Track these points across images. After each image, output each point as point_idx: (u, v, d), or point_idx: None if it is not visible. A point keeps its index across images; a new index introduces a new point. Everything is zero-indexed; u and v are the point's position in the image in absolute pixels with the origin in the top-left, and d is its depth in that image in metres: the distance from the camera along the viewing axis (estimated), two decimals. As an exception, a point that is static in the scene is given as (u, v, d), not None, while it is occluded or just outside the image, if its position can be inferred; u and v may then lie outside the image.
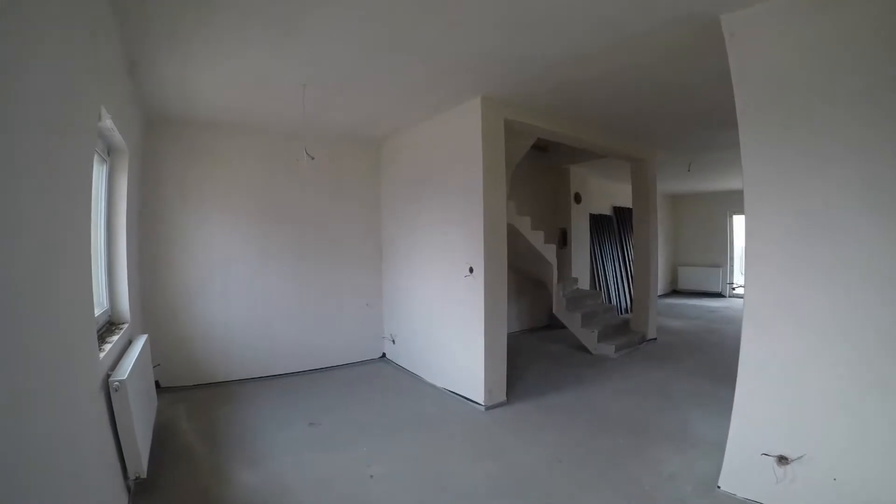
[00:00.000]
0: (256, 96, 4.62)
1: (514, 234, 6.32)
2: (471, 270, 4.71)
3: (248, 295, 5.77)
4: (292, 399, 5.01)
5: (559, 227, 8.77)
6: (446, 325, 5.22)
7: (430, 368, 5.54)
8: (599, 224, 9.99)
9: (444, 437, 4.06)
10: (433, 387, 5.36)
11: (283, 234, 5.99)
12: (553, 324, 8.02)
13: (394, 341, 6.39)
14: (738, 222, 12.79)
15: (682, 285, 13.27)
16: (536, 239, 6.59)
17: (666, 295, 12.98)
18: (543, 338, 7.87)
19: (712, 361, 6.25)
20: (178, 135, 5.33)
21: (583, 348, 6.79)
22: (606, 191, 10.53)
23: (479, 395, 4.66)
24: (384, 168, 6.58)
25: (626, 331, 7.28)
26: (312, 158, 4.73)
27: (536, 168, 8.38)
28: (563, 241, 8.69)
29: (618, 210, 10.77)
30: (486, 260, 4.58)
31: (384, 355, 6.69)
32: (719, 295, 12.71)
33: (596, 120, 5.63)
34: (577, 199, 8.80)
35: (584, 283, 8.98)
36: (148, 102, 4.63)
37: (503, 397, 4.78)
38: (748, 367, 2.99)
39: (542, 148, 8.12)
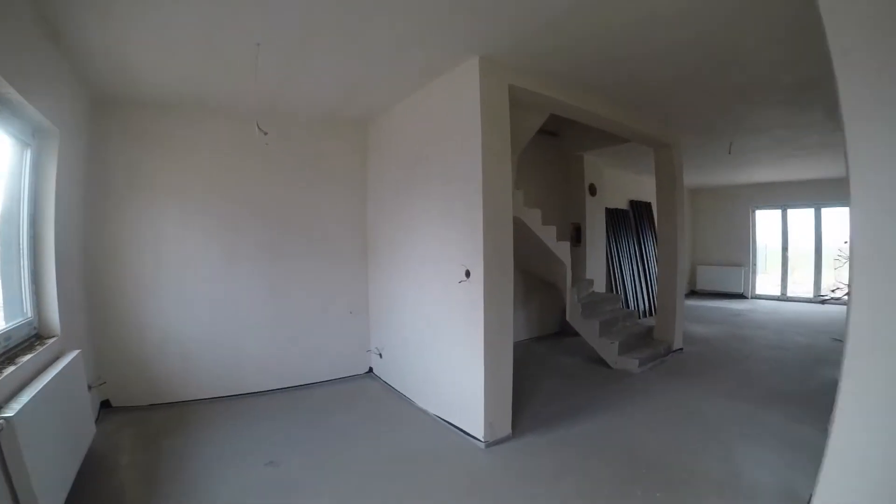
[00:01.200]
0: (206, 68, 3.87)
1: (521, 230, 5.44)
2: (467, 274, 3.81)
3: (210, 301, 4.97)
4: (256, 426, 4.20)
5: (572, 222, 7.87)
6: (439, 341, 4.35)
7: (422, 390, 4.66)
8: (616, 219, 9.10)
9: (430, 486, 3.18)
10: (424, 413, 4.49)
11: (253, 232, 5.17)
12: (565, 330, 7.13)
13: (381, 355, 5.53)
14: (761, 218, 11.89)
15: (701, 286, 12.35)
16: (548, 235, 5.69)
17: (685, 296, 11.94)
18: (555, 347, 6.96)
19: (748, 377, 5.39)
20: (127, 117, 4.59)
21: (601, 361, 5.91)
22: (622, 183, 9.64)
23: (477, 428, 3.78)
24: (371, 154, 5.70)
25: (649, 340, 6.38)
26: (265, 133, 3.90)
27: (546, 155, 7.52)
28: (576, 237, 7.80)
29: (634, 204, 9.87)
30: (486, 261, 3.68)
31: (371, 370, 5.81)
32: (741, 296, 11.83)
33: (621, 91, 4.72)
34: (592, 190, 7.90)
35: (600, 285, 8.09)
36: (90, 79, 3.95)
37: (508, 430, 3.90)
38: (852, 404, 2.05)
39: (553, 133, 7.27)
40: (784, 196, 11.31)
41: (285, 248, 5.33)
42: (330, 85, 4.42)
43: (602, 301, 6.53)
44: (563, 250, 5.83)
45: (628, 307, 8.74)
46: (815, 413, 4.11)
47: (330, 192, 5.61)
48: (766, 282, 11.94)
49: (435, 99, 4.30)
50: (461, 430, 3.96)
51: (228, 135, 4.99)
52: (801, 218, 11.23)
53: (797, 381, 5.23)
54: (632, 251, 9.36)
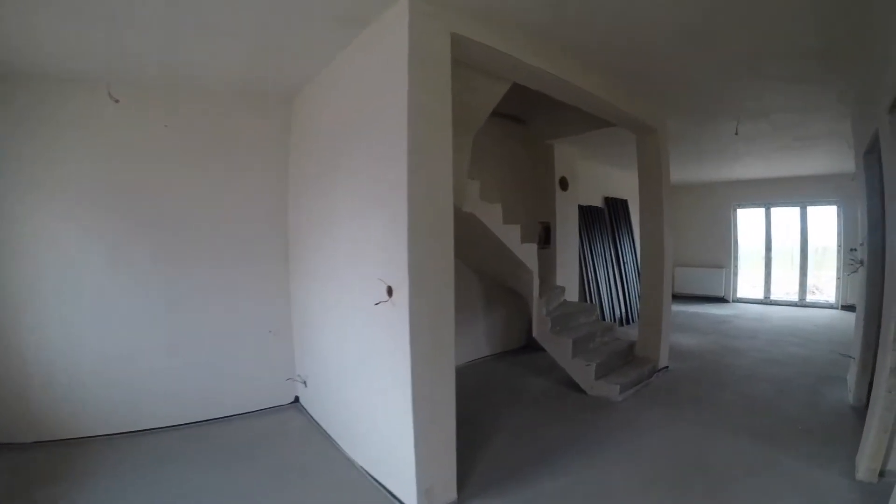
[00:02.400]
0: (68, 24, 2.92)
1: (477, 228, 4.46)
2: (389, 292, 2.76)
3: (98, 317, 3.97)
4: (140, 480, 3.25)
5: (540, 220, 6.89)
6: (361, 375, 3.32)
7: (349, 433, 3.60)
8: (589, 218, 8.14)
9: None
10: (351, 464, 3.43)
11: (150, 233, 4.11)
12: (533, 344, 6.14)
13: (305, 384, 4.47)
14: (743, 217, 11.13)
15: (679, 289, 11.51)
16: (510, 236, 4.70)
17: (663, 301, 11.17)
18: (522, 365, 5.96)
19: (749, 402, 4.53)
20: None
21: (575, 385, 4.93)
22: (597, 177, 8.70)
23: (409, 494, 2.75)
24: (295, 136, 4.60)
25: (631, 359, 5.43)
26: (116, 101, 2.85)
27: (511, 144, 6.55)
28: (545, 238, 6.84)
29: (610, 201, 8.95)
30: (413, 274, 2.63)
31: (297, 400, 4.72)
32: (722, 300, 11.09)
33: (606, 55, 3.76)
34: (564, 184, 6.93)
35: (572, 292, 7.12)
36: None
37: (452, 495, 2.89)
38: None
39: (519, 119, 6.29)
40: (768, 194, 10.61)
41: (190, 254, 4.25)
42: (232, 46, 3.38)
43: (575, 313, 5.55)
44: (528, 254, 4.85)
45: (609, 320, 7.80)
46: (839, 451, 3.37)
47: (246, 183, 4.51)
48: (747, 284, 11.20)
49: (362, 59, 3.25)
50: (391, 493, 2.94)
51: (116, 115, 3.93)
52: (785, 217, 10.58)
53: (806, 406, 4.40)
54: (607, 253, 8.44)
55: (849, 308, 9.28)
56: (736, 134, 4.61)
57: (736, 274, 11.25)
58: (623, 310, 8.45)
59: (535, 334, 5.08)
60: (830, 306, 9.84)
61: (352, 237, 3.30)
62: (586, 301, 7.55)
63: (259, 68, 3.86)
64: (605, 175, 8.88)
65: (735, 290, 11.22)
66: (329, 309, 3.83)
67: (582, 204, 7.81)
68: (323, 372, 4.07)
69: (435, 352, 2.76)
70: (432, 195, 2.73)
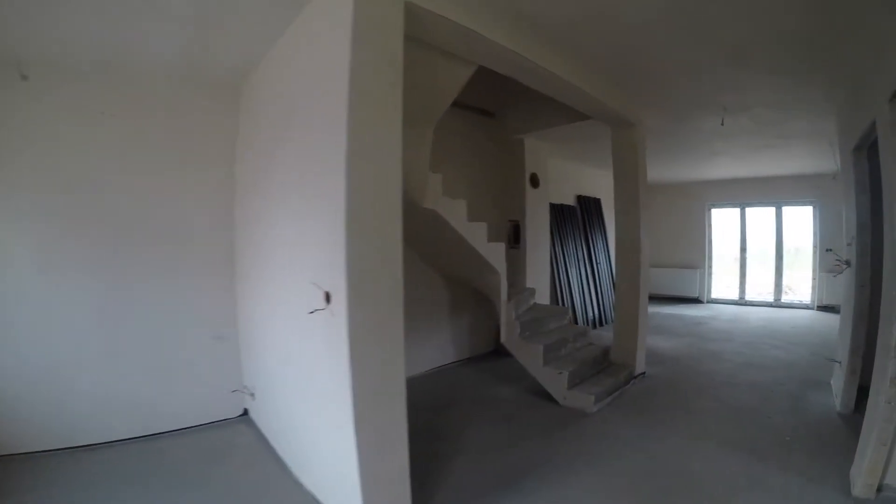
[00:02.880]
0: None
1: (440, 227, 4.11)
2: (327, 299, 2.38)
3: (28, 326, 3.51)
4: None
5: (510, 219, 6.56)
6: (303, 390, 2.97)
7: (295, 453, 3.22)
8: (561, 216, 7.83)
9: None
10: (298, 487, 3.04)
11: (85, 233, 3.66)
12: (502, 349, 5.75)
13: (253, 395, 4.06)
14: (718, 217, 10.98)
15: (653, 289, 11.18)
16: (476, 235, 4.37)
17: (638, 302, 10.95)
18: (490, 372, 5.62)
19: (734, 411, 4.27)
20: None
21: (546, 395, 4.60)
22: (569, 175, 8.38)
23: (356, 526, 2.38)
24: (242, 125, 4.19)
25: (606, 365, 5.13)
26: (25, 77, 2.45)
27: (479, 138, 6.23)
28: (515, 237, 6.51)
29: (583, 200, 8.65)
30: (351, 279, 2.25)
31: (246, 413, 4.30)
32: (696, 300, 10.95)
33: (583, 39, 3.47)
34: (534, 181, 6.60)
35: (543, 294, 6.81)
36: None
37: (404, 526, 2.53)
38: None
39: (488, 113, 5.96)
40: (743, 193, 10.49)
41: (128, 252, 3.81)
42: (169, 26, 3.02)
43: (547, 317, 5.22)
44: (495, 254, 4.53)
45: (582, 324, 7.51)
46: (831, 464, 3.16)
47: (192, 177, 4.09)
48: (722, 285, 11.07)
49: (304, 37, 2.89)
50: (338, 526, 2.58)
51: (45, 98, 3.49)
52: (760, 217, 10.49)
53: (792, 414, 4.18)
54: (580, 253, 8.15)
55: (825, 309, 9.24)
56: (722, 125, 4.32)
57: (710, 274, 11.12)
58: (596, 311, 8.18)
59: (503, 340, 4.75)
60: (806, 307, 9.76)
61: (289, 236, 2.94)
62: (558, 303, 7.26)
63: (201, 51, 3.45)
64: (577, 173, 8.60)
65: (709, 291, 11.09)
66: (270, 316, 3.45)
67: (554, 202, 7.51)
68: (268, 385, 3.68)
69: (380, 366, 2.38)
70: (378, 188, 2.36)
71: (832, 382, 4.72)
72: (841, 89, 4.27)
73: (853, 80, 3.91)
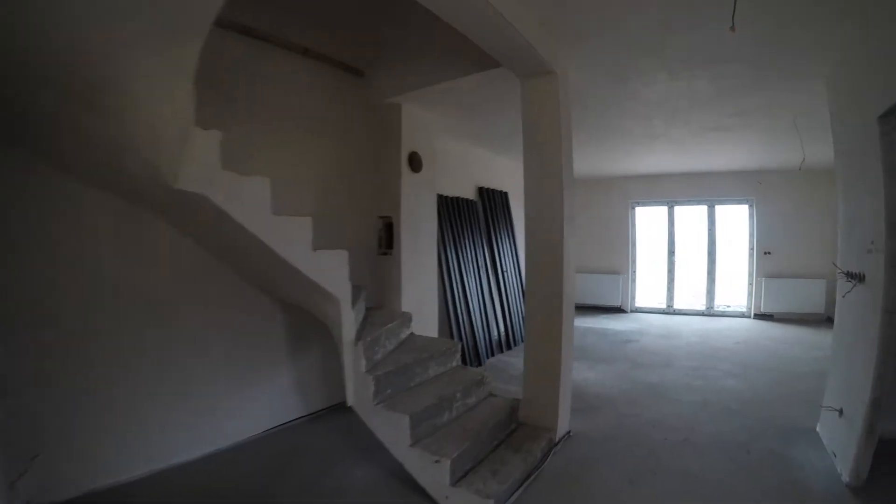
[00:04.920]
0: None
1: (223, 222, 2.28)
2: None
3: None
4: None
5: (381, 214, 4.67)
6: None
7: None
8: (457, 213, 6.03)
9: None
10: None
11: None
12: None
13: None
14: (643, 216, 9.71)
15: (572, 298, 9.89)
16: (285, 238, 2.55)
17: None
18: (343, 433, 3.77)
19: (704, 499, 2.80)
20: None
21: (416, 486, 2.84)
22: (469, 161, 6.60)
23: None
24: None
25: (512, 429, 3.42)
26: None
27: (344, 106, 4.45)
28: (387, 241, 4.64)
29: (487, 193, 6.89)
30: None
31: None
32: (619, 310, 9.65)
33: None
34: (415, 163, 4.69)
35: (429, 318, 4.94)
36: None
37: None
38: None
39: (355, 70, 4.23)
40: (671, 190, 9.28)
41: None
42: None
43: (424, 359, 3.40)
44: (328, 269, 2.72)
45: (477, 347, 5.81)
46: None
47: None
48: (647, 292, 9.83)
49: None
50: None
51: None
52: (691, 216, 9.38)
53: (784, 492, 2.85)
54: (481, 259, 6.36)
55: (763, 317, 8.33)
56: (732, 30, 2.74)
57: (634, 280, 9.84)
58: (503, 331, 6.47)
59: (349, 403, 2.95)
60: (742, 315, 8.74)
61: None
62: (450, 325, 5.42)
63: None
64: (479, 160, 6.83)
65: (634, 299, 9.80)
66: None
67: (446, 194, 5.75)
68: None
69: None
70: None
71: (820, 431, 3.50)
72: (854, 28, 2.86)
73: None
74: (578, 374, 5.07)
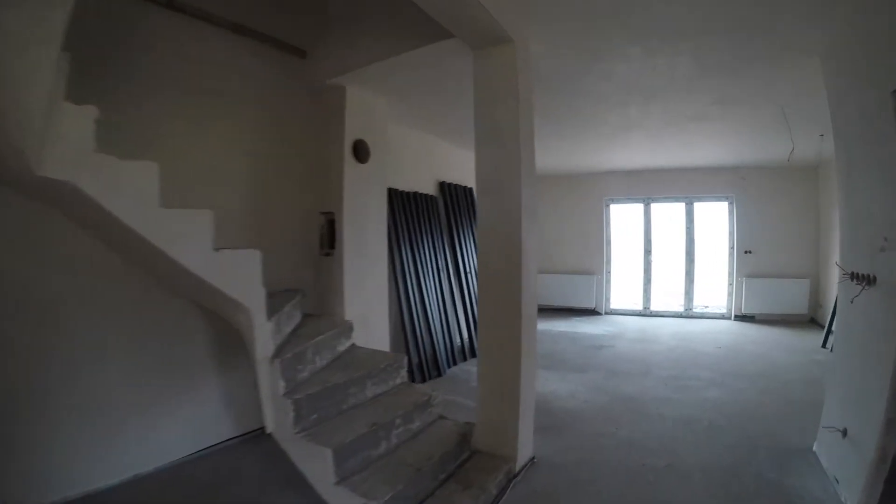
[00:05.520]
0: None
1: (104, 216, 1.76)
2: None
3: None
4: None
5: (323, 210, 4.14)
6: None
7: None
8: (414, 210, 5.51)
9: None
10: None
11: None
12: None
13: None
14: (618, 214, 9.33)
15: (540, 300, 9.36)
16: (174, 234, 2.04)
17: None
18: (276, 460, 3.19)
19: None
20: None
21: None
22: (428, 153, 6.07)
23: None
24: None
25: (464, 459, 2.95)
26: None
27: (281, 87, 3.96)
28: (329, 238, 4.09)
29: (449, 189, 6.39)
30: None
31: None
32: (594, 312, 9.22)
33: None
34: (360, 152, 4.12)
35: (379, 327, 4.37)
36: None
37: None
38: None
39: (296, 50, 3.75)
40: (648, 187, 8.94)
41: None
42: None
43: (359, 378, 2.90)
44: (234, 273, 2.23)
45: (437, 356, 5.28)
46: None
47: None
48: (622, 293, 9.49)
49: None
50: None
51: None
52: (668, 214, 9.13)
53: None
54: (441, 261, 5.87)
55: (744, 318, 8.05)
56: None
57: (609, 281, 9.48)
58: (466, 338, 5.98)
59: (268, 430, 2.45)
60: (722, 316, 8.46)
61: None
62: (404, 334, 4.91)
63: None
64: (441, 152, 6.33)
65: (608, 301, 9.44)
66: None
67: (400, 188, 5.23)
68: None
69: None
70: None
71: (818, 451, 3.14)
72: None
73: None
74: (546, 385, 4.64)
